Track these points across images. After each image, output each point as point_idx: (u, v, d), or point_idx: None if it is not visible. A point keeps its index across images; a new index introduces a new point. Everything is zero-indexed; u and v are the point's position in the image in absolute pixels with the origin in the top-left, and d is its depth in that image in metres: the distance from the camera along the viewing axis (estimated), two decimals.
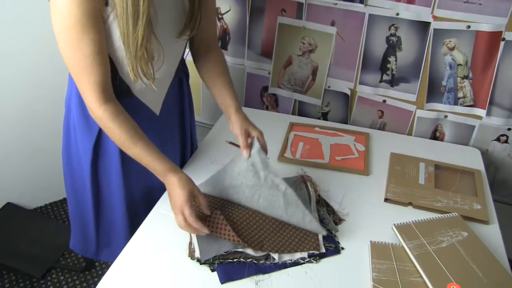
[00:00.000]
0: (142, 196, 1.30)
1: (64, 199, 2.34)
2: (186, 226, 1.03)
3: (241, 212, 1.14)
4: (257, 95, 1.79)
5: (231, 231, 1.05)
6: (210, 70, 1.25)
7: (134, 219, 1.25)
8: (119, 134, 1.03)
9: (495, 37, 1.34)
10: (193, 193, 1.05)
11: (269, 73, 1.71)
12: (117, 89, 1.06)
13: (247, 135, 1.15)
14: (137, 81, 1.02)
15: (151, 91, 1.12)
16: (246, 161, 1.14)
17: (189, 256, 1.05)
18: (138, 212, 1.26)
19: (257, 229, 1.10)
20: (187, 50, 1.26)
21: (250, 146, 1.15)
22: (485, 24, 1.34)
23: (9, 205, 2.18)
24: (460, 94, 1.48)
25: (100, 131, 1.15)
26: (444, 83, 1.48)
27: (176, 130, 1.33)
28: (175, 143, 1.36)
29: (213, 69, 1.24)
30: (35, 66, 1.94)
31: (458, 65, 1.43)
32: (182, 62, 1.24)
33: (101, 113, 1.01)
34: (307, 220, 1.10)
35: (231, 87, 1.23)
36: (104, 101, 1.00)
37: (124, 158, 1.18)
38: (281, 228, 1.11)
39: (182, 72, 1.28)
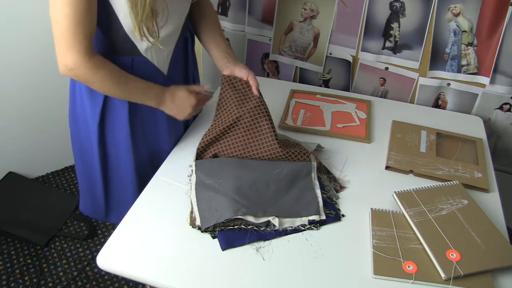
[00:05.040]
0: (150, 158, 1.31)
1: (66, 168, 2.35)
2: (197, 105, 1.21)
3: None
4: (258, 62, 1.77)
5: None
6: (203, 22, 1.27)
7: (143, 181, 1.25)
8: (111, 78, 1.05)
9: (502, 2, 1.31)
10: (187, 89, 1.18)
11: (270, 39, 1.69)
12: (122, 48, 1.06)
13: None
14: (143, 40, 1.03)
15: (158, 50, 1.12)
16: None
17: (190, 225, 1.06)
18: (147, 174, 1.26)
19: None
20: None
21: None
22: None
23: (11, 174, 2.19)
24: (464, 62, 1.45)
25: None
26: (447, 50, 1.45)
27: None
28: None
29: (205, 21, 1.27)
30: (38, 37, 1.92)
31: (463, 31, 1.40)
32: (187, 20, 1.23)
33: (92, 64, 1.01)
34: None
35: (225, 38, 1.28)
36: (92, 54, 1.01)
37: (132, 119, 1.19)
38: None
39: (187, 30, 1.26)
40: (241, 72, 1.21)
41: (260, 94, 1.20)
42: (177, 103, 1.18)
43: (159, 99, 1.15)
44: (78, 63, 1.00)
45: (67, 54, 0.99)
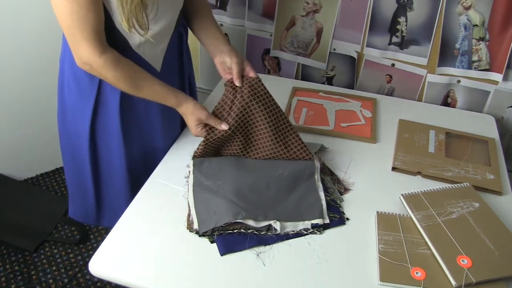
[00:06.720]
0: (144, 158, 1.30)
1: (56, 169, 2.34)
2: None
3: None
4: (258, 58, 1.77)
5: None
6: (198, 16, 1.26)
7: (136, 182, 1.25)
8: (124, 80, 1.06)
9: None
10: (200, 119, 1.14)
11: (271, 35, 1.69)
12: (114, 43, 1.05)
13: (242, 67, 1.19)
14: (132, 32, 1.02)
15: (151, 46, 1.11)
16: None
17: (187, 228, 1.05)
18: (140, 174, 1.26)
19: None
20: None
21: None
22: None
23: None
24: (475, 58, 1.44)
25: (98, 90, 1.14)
26: (457, 45, 1.44)
27: (175, 87, 1.30)
28: None
29: (200, 14, 1.26)
30: (28, 36, 1.92)
31: (474, 26, 1.39)
32: (181, 15, 1.23)
33: (102, 63, 1.01)
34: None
35: (220, 29, 1.26)
36: (102, 50, 1.01)
37: (124, 118, 1.18)
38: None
39: (181, 25, 1.25)
40: (235, 63, 1.18)
41: (266, 90, 1.19)
42: (186, 120, 1.18)
43: (174, 108, 1.17)
44: (91, 57, 1.01)
45: (80, 48, 1.00)
